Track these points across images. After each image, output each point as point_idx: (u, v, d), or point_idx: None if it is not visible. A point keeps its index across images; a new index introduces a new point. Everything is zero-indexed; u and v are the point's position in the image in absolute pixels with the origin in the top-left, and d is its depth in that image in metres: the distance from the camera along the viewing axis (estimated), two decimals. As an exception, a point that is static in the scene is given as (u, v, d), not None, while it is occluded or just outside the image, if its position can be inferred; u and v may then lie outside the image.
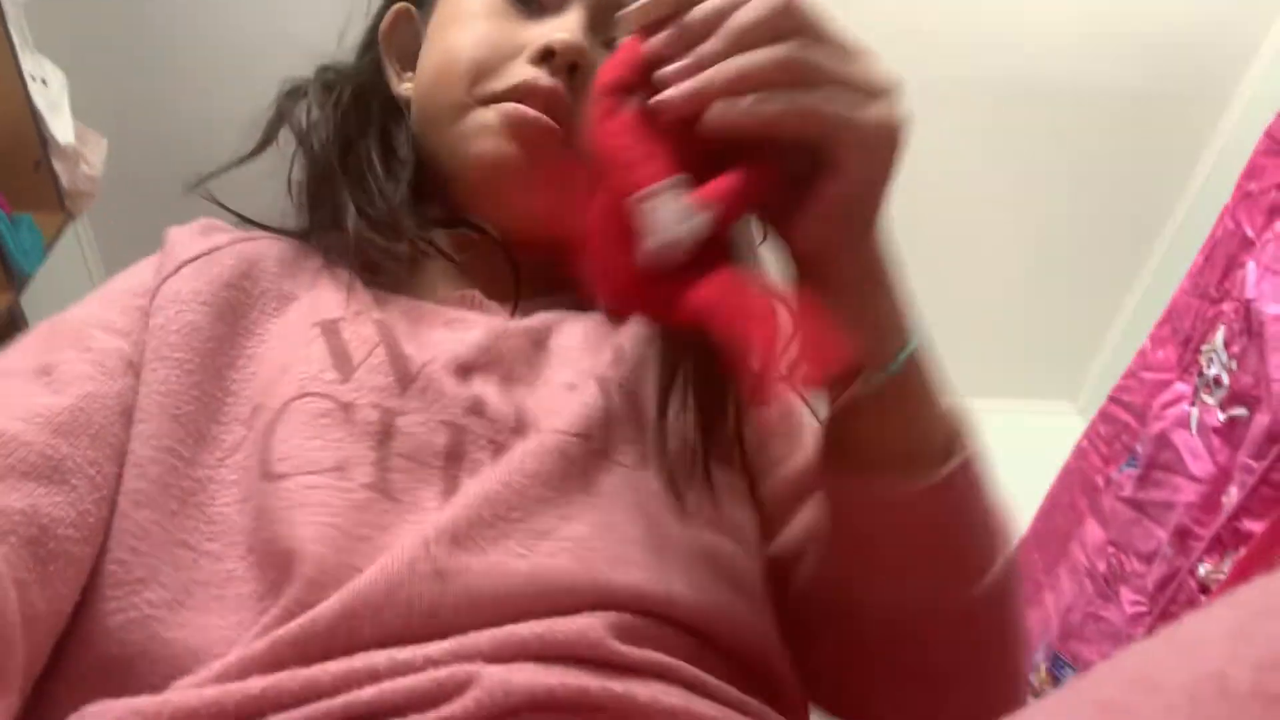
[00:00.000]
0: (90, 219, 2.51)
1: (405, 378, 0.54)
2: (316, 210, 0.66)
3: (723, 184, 0.44)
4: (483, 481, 0.50)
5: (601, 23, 0.64)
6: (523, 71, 0.62)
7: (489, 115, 0.63)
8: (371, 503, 0.48)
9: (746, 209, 0.46)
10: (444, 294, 0.64)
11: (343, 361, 0.54)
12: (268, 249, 0.64)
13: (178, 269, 0.60)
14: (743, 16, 0.43)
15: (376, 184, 0.65)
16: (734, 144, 0.44)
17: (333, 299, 0.60)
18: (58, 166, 2.02)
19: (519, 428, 0.54)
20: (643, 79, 0.45)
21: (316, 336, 0.56)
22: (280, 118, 0.70)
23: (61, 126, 1.99)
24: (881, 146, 0.44)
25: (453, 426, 0.53)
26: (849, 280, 0.48)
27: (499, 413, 0.54)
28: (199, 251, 0.61)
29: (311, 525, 0.46)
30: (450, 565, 0.44)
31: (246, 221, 0.69)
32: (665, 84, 0.44)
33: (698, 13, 0.43)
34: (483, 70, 0.64)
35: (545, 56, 0.62)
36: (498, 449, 0.53)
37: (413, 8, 0.74)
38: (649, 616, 0.47)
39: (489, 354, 0.58)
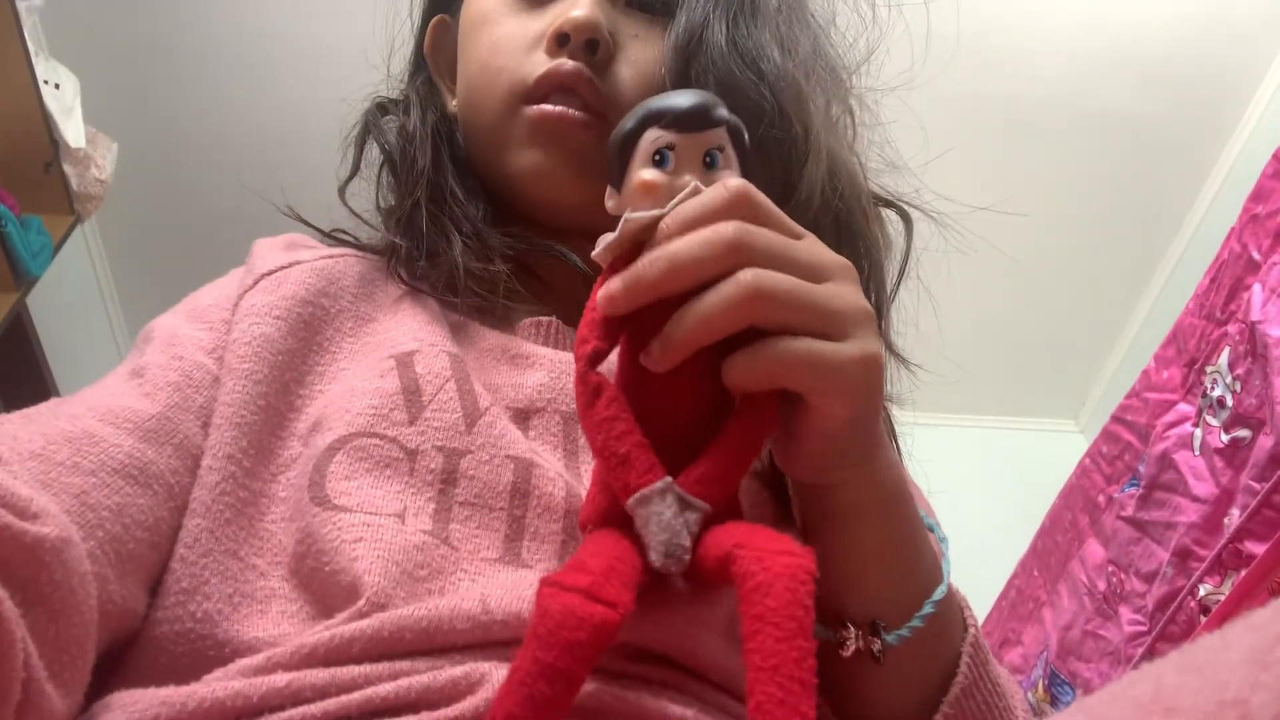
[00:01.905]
0: (98, 221, 2.52)
1: (473, 414, 0.54)
2: (406, 236, 0.65)
3: (715, 463, 0.43)
4: (550, 558, 0.50)
5: None
6: (543, 63, 0.61)
7: (519, 128, 0.62)
8: (429, 546, 0.48)
9: (742, 473, 0.45)
10: (523, 319, 0.63)
11: (413, 399, 0.54)
12: (349, 267, 0.64)
13: (256, 282, 0.60)
14: (697, 243, 0.41)
15: (460, 209, 0.65)
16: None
17: (410, 328, 0.60)
18: (68, 169, 2.03)
19: (578, 477, 0.54)
20: (615, 333, 0.45)
21: (391, 369, 0.55)
22: (365, 136, 0.70)
23: (73, 130, 2.00)
24: (857, 388, 0.43)
25: (519, 461, 0.53)
26: (860, 510, 0.48)
27: (557, 468, 0.54)
28: (279, 265, 0.61)
29: (371, 559, 0.47)
30: (497, 609, 0.45)
31: (331, 237, 0.69)
32: (640, 336, 0.43)
33: (652, 267, 0.42)
34: (506, 75, 0.63)
35: (561, 41, 0.61)
36: (569, 486, 0.53)
37: (448, 17, 0.73)
38: (673, 668, 0.47)
39: (550, 393, 0.58)
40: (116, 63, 2.34)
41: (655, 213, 0.43)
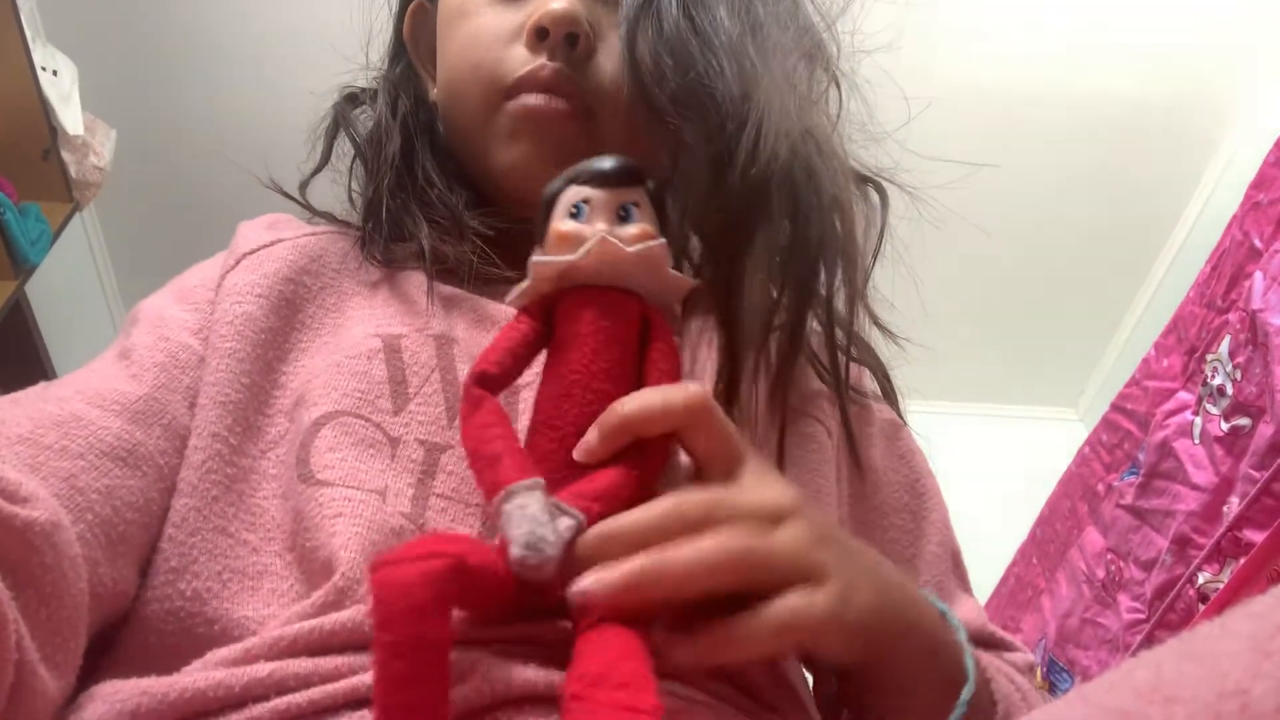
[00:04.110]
0: (97, 209, 2.51)
1: (455, 406, 0.54)
2: (381, 222, 0.65)
3: (597, 482, 0.42)
4: None
5: None
6: (523, 60, 0.61)
7: (502, 122, 0.61)
8: (406, 532, 0.48)
9: (621, 503, 0.43)
10: (514, 289, 0.63)
11: (399, 390, 0.54)
12: (332, 244, 0.64)
13: (238, 262, 0.60)
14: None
15: (438, 194, 0.65)
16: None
17: (397, 308, 0.60)
18: (66, 157, 2.03)
19: None
20: (515, 370, 0.46)
21: (378, 353, 0.55)
22: (337, 126, 0.70)
23: (71, 117, 2.00)
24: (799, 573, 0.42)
25: None
26: (885, 687, 0.47)
27: None
28: (260, 244, 0.61)
29: (348, 535, 0.47)
30: None
31: (315, 214, 0.69)
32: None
33: None
34: (486, 70, 0.62)
35: (541, 35, 0.60)
36: None
37: (426, 2, 0.72)
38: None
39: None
40: (114, 49, 2.33)
41: (564, 259, 0.45)
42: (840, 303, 0.62)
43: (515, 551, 0.38)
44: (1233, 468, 1.26)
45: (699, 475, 0.46)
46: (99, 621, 0.46)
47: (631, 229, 0.46)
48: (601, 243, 0.45)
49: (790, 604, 0.41)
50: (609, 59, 0.61)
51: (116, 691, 0.42)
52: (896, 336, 0.67)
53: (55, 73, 2.00)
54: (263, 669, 0.41)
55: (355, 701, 0.40)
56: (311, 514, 0.48)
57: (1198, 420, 1.37)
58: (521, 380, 0.50)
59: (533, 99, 0.60)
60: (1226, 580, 1.20)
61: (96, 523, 0.45)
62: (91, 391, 0.51)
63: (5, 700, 0.36)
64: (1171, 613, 1.31)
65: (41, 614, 0.39)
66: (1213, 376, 1.35)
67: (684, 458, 0.52)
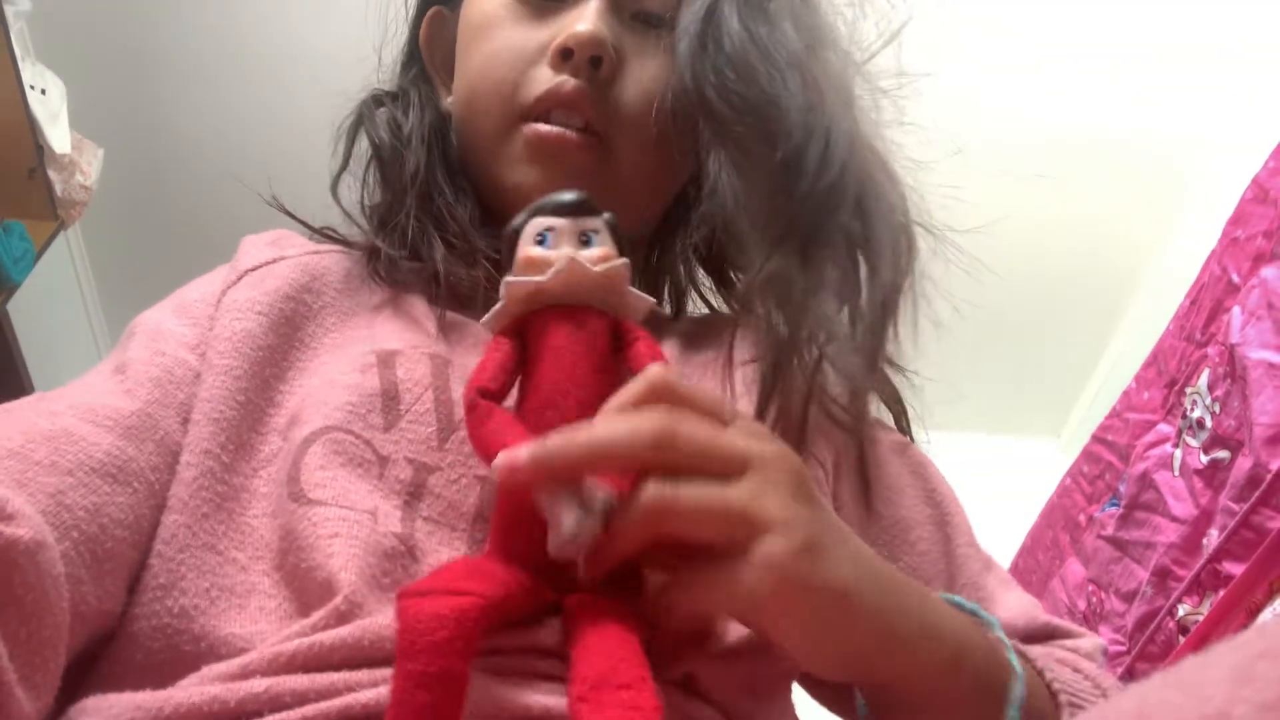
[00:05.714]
0: (82, 228, 2.50)
1: (447, 427, 0.53)
2: (392, 235, 0.64)
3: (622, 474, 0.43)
4: None
5: None
6: (546, 79, 0.61)
7: (517, 144, 0.62)
8: (397, 553, 0.48)
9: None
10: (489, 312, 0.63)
11: (390, 405, 0.53)
12: (334, 263, 0.64)
13: (240, 277, 0.60)
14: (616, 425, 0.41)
15: (448, 210, 0.65)
16: None
17: (395, 327, 0.59)
18: (52, 175, 2.02)
19: None
20: (506, 384, 0.49)
21: (372, 367, 0.55)
22: (357, 127, 0.70)
23: (58, 136, 1.99)
24: (768, 606, 0.40)
25: (486, 482, 0.52)
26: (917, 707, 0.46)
27: None
28: (263, 261, 0.61)
29: (346, 556, 0.46)
30: None
31: (318, 233, 0.68)
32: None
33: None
34: (507, 87, 0.62)
35: (565, 56, 0.60)
36: None
37: (444, 9, 0.72)
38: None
39: None
40: (103, 69, 2.33)
41: (536, 279, 0.48)
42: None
43: (569, 529, 0.40)
44: (1212, 500, 1.27)
45: None
46: (81, 641, 0.46)
47: (594, 251, 0.49)
48: (570, 264, 0.48)
49: (765, 549, 0.39)
50: (632, 85, 0.62)
51: (110, 706, 0.42)
52: (904, 369, 0.67)
53: (44, 91, 2.00)
54: (259, 684, 0.41)
55: (350, 719, 0.40)
56: (305, 533, 0.48)
57: (1177, 453, 1.38)
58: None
59: (547, 127, 0.60)
60: (1206, 612, 1.20)
61: (82, 540, 0.44)
62: (84, 406, 0.50)
63: None
64: (1152, 644, 1.31)
65: (21, 634, 0.39)
66: (1192, 409, 1.36)
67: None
